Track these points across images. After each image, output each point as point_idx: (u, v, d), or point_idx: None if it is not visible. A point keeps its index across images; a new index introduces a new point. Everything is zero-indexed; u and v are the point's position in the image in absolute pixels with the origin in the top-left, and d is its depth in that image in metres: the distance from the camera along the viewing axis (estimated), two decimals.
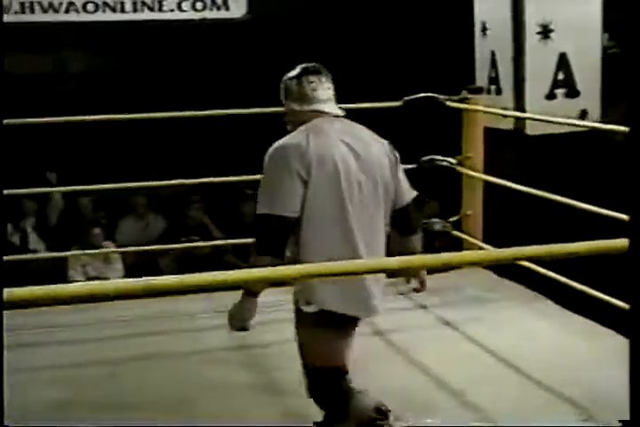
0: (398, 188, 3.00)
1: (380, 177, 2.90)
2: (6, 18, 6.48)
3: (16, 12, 6.66)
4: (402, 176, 3.03)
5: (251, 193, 7.27)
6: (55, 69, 8.42)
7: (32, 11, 6.65)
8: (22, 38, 7.45)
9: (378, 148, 2.95)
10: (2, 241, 2.66)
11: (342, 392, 2.87)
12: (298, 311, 2.88)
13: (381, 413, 2.85)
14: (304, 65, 2.99)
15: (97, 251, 6.59)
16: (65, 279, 6.62)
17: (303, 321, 2.87)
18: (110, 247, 6.89)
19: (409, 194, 3.05)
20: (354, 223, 2.81)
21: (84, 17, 6.67)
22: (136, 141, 8.07)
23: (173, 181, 5.28)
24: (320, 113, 2.91)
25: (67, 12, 6.68)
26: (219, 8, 6.78)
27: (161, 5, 6.69)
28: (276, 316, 3.96)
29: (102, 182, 5.25)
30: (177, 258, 6.96)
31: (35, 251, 7.00)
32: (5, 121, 4.83)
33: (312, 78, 2.93)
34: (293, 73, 2.98)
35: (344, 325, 2.87)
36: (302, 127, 2.90)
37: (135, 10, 6.66)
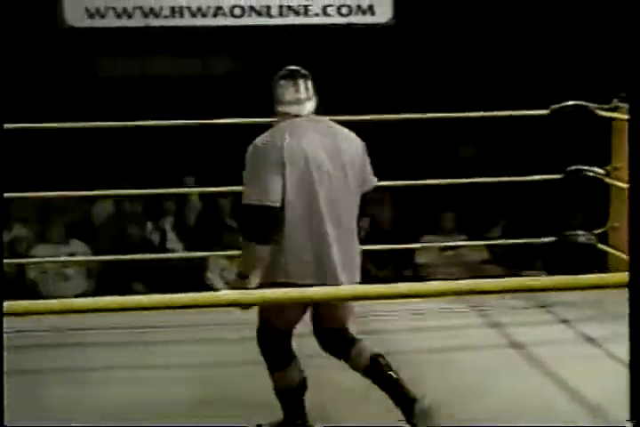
0: (365, 178, 3.28)
1: (350, 170, 3.18)
2: (156, 22, 6.68)
3: (166, 17, 6.84)
4: (368, 168, 3.30)
5: (386, 197, 7.18)
6: (199, 72, 8.60)
7: (181, 15, 6.82)
8: (170, 42, 7.65)
9: (348, 143, 3.22)
10: (1, 243, 2.69)
11: (286, 350, 3.28)
12: (277, 284, 3.06)
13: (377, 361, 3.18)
14: (284, 69, 3.30)
15: (230, 253, 6.59)
16: (202, 281, 6.70)
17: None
18: None
19: (371, 182, 3.31)
20: (325, 214, 3.10)
21: (230, 21, 6.77)
22: None
23: None
24: (286, 113, 3.21)
25: (214, 16, 6.81)
26: (364, 13, 6.77)
27: (307, 10, 6.72)
28: (423, 324, 3.87)
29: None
30: None
31: (172, 250, 7.12)
32: (147, 122, 4.95)
33: (282, 82, 3.24)
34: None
35: None
36: (278, 126, 3.22)
37: (281, 14, 6.72)
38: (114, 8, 6.82)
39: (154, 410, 3.57)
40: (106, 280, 6.75)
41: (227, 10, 6.76)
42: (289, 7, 6.74)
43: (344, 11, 6.79)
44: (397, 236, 6.51)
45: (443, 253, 6.66)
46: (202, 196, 7.35)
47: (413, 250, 6.60)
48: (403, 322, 4.55)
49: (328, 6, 6.78)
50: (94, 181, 6.17)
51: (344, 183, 3.15)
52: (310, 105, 3.24)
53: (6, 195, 5.62)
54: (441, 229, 6.81)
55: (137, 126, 5.19)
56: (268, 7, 6.73)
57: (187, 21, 6.80)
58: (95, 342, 4.45)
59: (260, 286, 3.10)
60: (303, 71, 3.26)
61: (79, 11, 6.81)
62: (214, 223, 7.25)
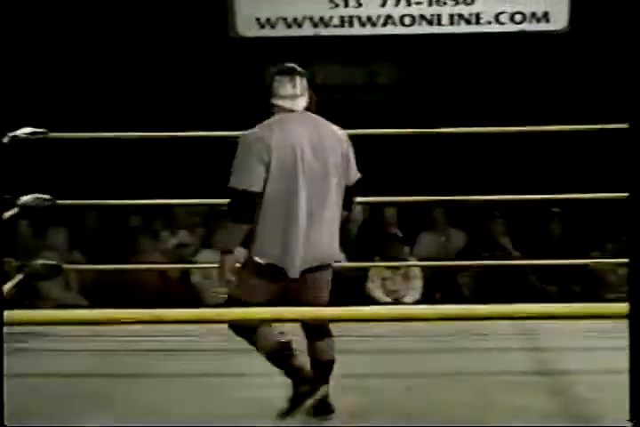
0: (348, 175, 3.49)
1: (333, 167, 3.40)
2: (325, 31, 6.72)
3: (335, 26, 6.88)
4: (352, 164, 3.52)
5: (557, 211, 6.99)
6: (364, 80, 8.61)
7: (351, 24, 6.83)
8: (338, 51, 7.69)
9: (333, 139, 3.44)
10: (1, 244, 2.71)
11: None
12: (250, 259, 3.44)
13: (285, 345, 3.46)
14: (279, 66, 3.52)
15: (395, 263, 6.55)
16: (362, 291, 6.67)
17: (249, 266, 3.45)
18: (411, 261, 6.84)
19: (353, 176, 3.52)
20: (300, 206, 3.35)
21: (400, 30, 6.74)
22: (435, 155, 8.03)
23: (476, 197, 5.16)
24: (280, 107, 3.44)
25: (384, 25, 6.80)
26: (539, 20, 6.58)
27: (478, 18, 6.61)
28: (587, 343, 3.71)
29: (404, 195, 5.24)
30: (477, 275, 6.80)
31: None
32: None
33: (278, 77, 3.45)
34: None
35: (276, 274, 3.43)
36: (270, 119, 3.45)
37: (452, 23, 6.63)
38: (284, 18, 6.90)
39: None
40: None
41: (396, 18, 6.73)
42: (460, 15, 6.64)
43: (517, 18, 6.63)
44: (569, 250, 6.32)
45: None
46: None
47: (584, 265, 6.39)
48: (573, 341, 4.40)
49: (500, 14, 6.63)
50: None
51: (325, 179, 3.39)
52: (304, 101, 3.47)
53: (175, 201, 5.80)
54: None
55: None
56: (439, 16, 6.66)
57: (356, 31, 6.81)
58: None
59: (244, 262, 3.46)
60: (300, 69, 3.49)
61: (250, 21, 6.93)
62: (376, 233, 7.21)
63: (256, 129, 3.46)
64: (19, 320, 1.85)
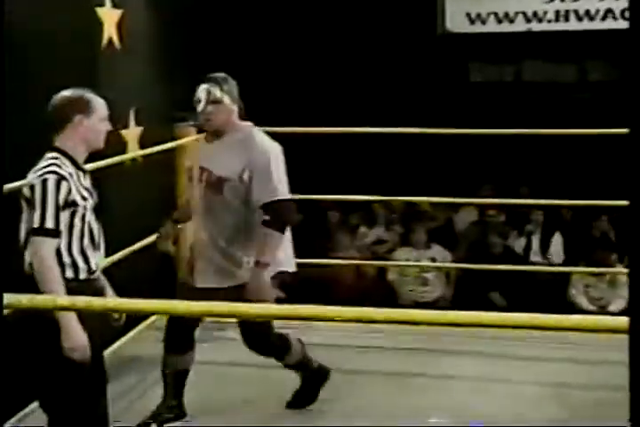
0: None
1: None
2: (538, 27, 6.48)
3: (549, 21, 6.63)
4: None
5: None
6: (574, 78, 8.29)
7: (566, 19, 6.56)
8: (547, 47, 7.42)
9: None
10: (2, 241, 2.62)
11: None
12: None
13: None
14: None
15: (600, 269, 6.25)
16: (565, 297, 6.43)
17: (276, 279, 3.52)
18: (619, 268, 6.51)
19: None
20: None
21: (621, 24, 6.38)
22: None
23: None
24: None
25: (603, 19, 6.48)
26: None
27: None
28: None
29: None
30: None
31: (536, 263, 6.91)
32: (504, 131, 4.78)
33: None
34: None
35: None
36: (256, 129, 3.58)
37: None
38: (495, 13, 6.72)
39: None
40: (464, 287, 6.69)
41: (617, 13, 6.39)
42: None
43: None
44: None
45: None
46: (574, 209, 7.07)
47: None
48: None
49: None
50: (457, 188, 6.15)
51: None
52: None
53: (373, 197, 5.78)
54: None
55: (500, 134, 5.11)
56: None
57: (572, 26, 6.52)
58: (461, 351, 4.42)
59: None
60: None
61: (460, 16, 6.79)
62: (584, 238, 6.92)
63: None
64: (18, 305, 1.82)
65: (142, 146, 4.87)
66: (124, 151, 4.69)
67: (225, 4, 6.81)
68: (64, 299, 2.15)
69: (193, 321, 3.56)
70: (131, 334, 4.42)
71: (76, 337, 2.73)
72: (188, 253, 3.69)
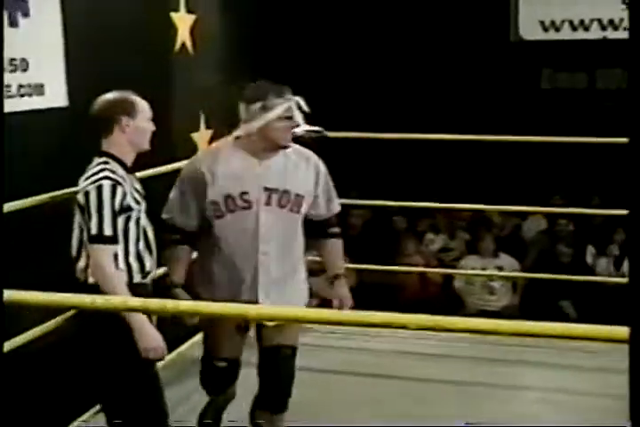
0: None
1: None
2: (614, 34, 6.39)
3: (625, 29, 6.53)
4: None
5: None
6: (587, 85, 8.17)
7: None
8: (623, 55, 7.30)
9: None
10: (1, 239, 2.57)
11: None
12: None
13: None
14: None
15: None
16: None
17: None
18: None
19: None
20: None
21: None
22: None
23: None
24: None
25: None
26: None
27: None
28: None
29: None
30: None
31: (601, 273, 6.80)
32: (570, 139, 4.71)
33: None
34: None
35: None
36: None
37: None
38: (570, 20, 6.63)
39: None
40: (531, 296, 6.61)
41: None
42: None
43: None
44: None
45: None
46: None
47: None
48: None
49: None
50: (527, 197, 6.08)
51: None
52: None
53: (442, 205, 5.74)
54: None
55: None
56: None
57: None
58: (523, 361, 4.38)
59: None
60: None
61: (534, 24, 6.72)
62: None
63: None
64: (92, 306, 1.83)
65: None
66: (194, 154, 4.75)
67: (291, 8, 6.86)
68: (135, 300, 2.18)
69: (233, 352, 3.29)
70: (196, 337, 4.47)
71: (152, 338, 2.75)
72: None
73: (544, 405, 3.90)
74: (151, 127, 2.93)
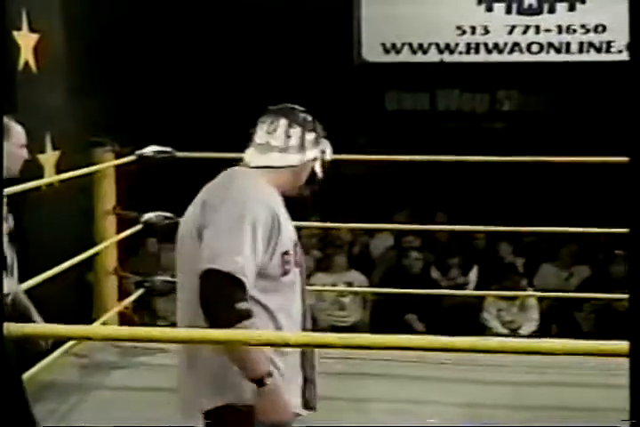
0: None
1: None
2: (450, 58, 6.69)
3: (460, 53, 6.85)
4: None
5: None
6: (487, 108, 8.56)
7: (477, 51, 6.79)
8: (462, 77, 7.64)
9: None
10: (0, 248, 2.70)
11: None
12: None
13: None
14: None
15: (511, 293, 6.42)
16: (477, 320, 6.57)
17: None
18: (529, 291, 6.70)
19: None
20: None
21: (526, 57, 6.66)
22: (555, 184, 7.86)
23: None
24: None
25: (510, 52, 6.73)
26: None
27: (609, 47, 6.46)
28: None
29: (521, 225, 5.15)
30: (595, 310, 6.60)
31: (454, 287, 7.04)
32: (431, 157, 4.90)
33: (262, 118, 2.50)
34: None
35: None
36: None
37: (581, 51, 6.51)
38: (410, 44, 6.91)
39: None
40: (380, 311, 6.77)
41: (524, 46, 6.65)
42: (590, 44, 6.50)
43: None
44: None
45: None
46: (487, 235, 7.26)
47: None
48: None
49: None
50: (372, 214, 6.27)
51: None
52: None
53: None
54: None
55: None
56: (568, 44, 6.55)
57: (482, 57, 6.76)
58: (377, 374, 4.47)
59: None
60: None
61: (376, 46, 6.97)
62: (494, 263, 7.10)
63: None
64: (15, 334, 1.82)
65: (59, 171, 4.84)
66: (41, 176, 4.66)
67: (135, 23, 6.85)
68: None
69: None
70: (46, 360, 4.38)
71: None
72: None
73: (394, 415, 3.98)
74: (23, 154, 2.89)
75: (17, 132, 2.89)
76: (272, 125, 2.44)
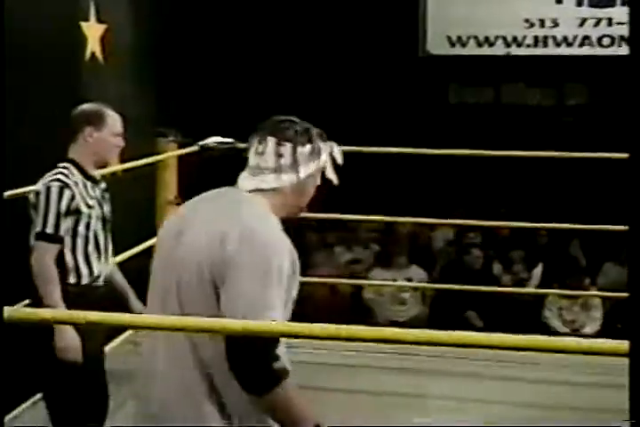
0: None
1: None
2: (517, 51, 6.59)
3: (528, 46, 6.75)
4: None
5: None
6: (553, 102, 8.42)
7: (545, 44, 6.68)
8: (528, 71, 7.54)
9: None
10: (2, 248, 2.75)
11: None
12: None
13: None
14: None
15: (574, 293, 6.30)
16: (539, 319, 6.47)
17: None
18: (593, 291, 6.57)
19: None
20: None
21: (597, 51, 6.52)
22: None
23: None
24: None
25: (580, 46, 6.61)
26: None
27: None
28: None
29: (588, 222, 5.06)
30: None
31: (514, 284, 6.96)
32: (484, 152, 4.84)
33: (251, 138, 2.21)
34: None
35: None
36: None
37: None
38: (476, 37, 6.83)
39: None
40: (440, 307, 6.72)
41: (594, 39, 6.52)
42: None
43: None
44: None
45: None
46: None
47: None
48: None
49: None
50: (433, 208, 6.20)
51: None
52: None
53: (350, 217, 5.80)
54: None
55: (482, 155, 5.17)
56: None
57: (550, 51, 6.64)
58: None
59: None
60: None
61: (441, 39, 6.91)
62: (558, 261, 6.98)
63: None
64: (18, 319, 1.81)
65: (123, 160, 4.87)
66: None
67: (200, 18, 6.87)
68: (47, 311, 2.15)
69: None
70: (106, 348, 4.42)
71: (67, 338, 2.80)
72: None
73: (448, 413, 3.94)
74: (118, 142, 3.01)
75: (113, 120, 3.00)
76: (260, 146, 2.16)
